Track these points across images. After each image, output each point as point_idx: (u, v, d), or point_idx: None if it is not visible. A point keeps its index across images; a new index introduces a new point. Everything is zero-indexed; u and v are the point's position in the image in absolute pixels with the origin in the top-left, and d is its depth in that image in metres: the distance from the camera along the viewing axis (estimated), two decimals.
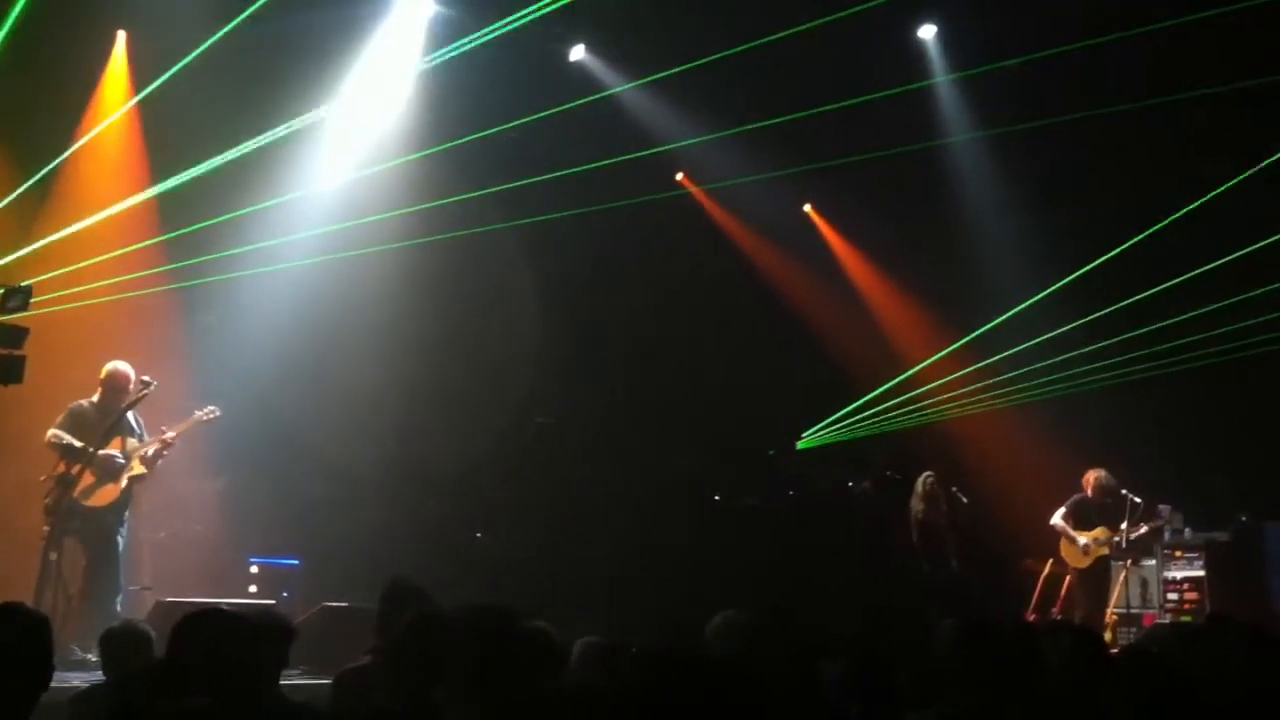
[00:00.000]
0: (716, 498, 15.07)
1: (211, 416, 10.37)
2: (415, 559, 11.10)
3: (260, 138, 11.61)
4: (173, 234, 11.82)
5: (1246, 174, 12.30)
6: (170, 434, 10.09)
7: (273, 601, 10.25)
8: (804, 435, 15.80)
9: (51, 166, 11.37)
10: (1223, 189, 12.46)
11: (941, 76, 13.84)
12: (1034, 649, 4.49)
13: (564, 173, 12.71)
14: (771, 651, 4.81)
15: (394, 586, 6.08)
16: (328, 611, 9.56)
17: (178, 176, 11.53)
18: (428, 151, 12.75)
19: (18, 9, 10.56)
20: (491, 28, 11.89)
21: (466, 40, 12.13)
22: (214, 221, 11.69)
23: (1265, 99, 11.76)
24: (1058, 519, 12.78)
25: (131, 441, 9.96)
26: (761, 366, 14.98)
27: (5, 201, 10.82)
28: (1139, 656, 4.78)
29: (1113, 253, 13.33)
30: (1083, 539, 12.62)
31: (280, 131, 11.79)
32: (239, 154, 11.47)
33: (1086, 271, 13.64)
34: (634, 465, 14.24)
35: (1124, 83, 12.47)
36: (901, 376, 15.36)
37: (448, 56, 12.36)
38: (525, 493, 13.64)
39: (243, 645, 4.03)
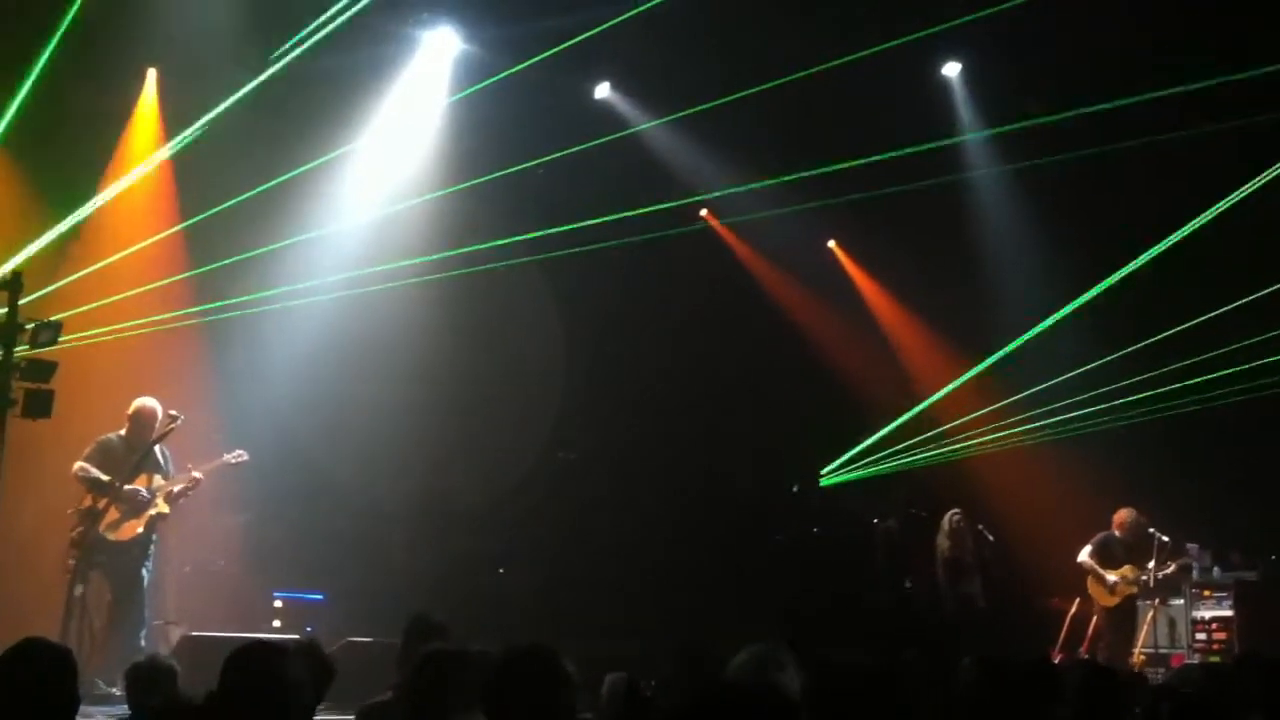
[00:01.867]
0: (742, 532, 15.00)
1: (239, 460, 10.42)
2: (439, 593, 11.12)
3: (288, 175, 11.70)
4: (201, 269, 11.91)
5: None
6: (197, 474, 10.12)
7: (299, 637, 10.23)
8: (826, 471, 15.76)
9: (85, 211, 11.46)
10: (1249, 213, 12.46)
11: (964, 114, 13.88)
12: (1052, 685, 4.47)
13: (592, 221, 12.79)
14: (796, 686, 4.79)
15: (415, 622, 6.09)
16: (351, 647, 9.55)
17: (206, 212, 11.63)
18: (454, 189, 12.83)
19: (49, 48, 10.70)
20: (517, 67, 12.00)
21: (492, 79, 12.24)
22: (242, 257, 11.78)
23: None
24: (1085, 557, 12.65)
25: (158, 478, 9.98)
26: (785, 402, 14.94)
27: (40, 243, 10.91)
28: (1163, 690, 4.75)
29: (1139, 287, 13.31)
30: (1111, 577, 12.50)
31: (308, 168, 11.89)
32: (267, 190, 11.55)
33: (1114, 307, 13.61)
34: (657, 499, 14.21)
35: (1146, 117, 12.46)
36: (924, 410, 15.32)
37: (473, 94, 12.48)
38: (548, 527, 13.63)
39: (291, 681, 4.01)
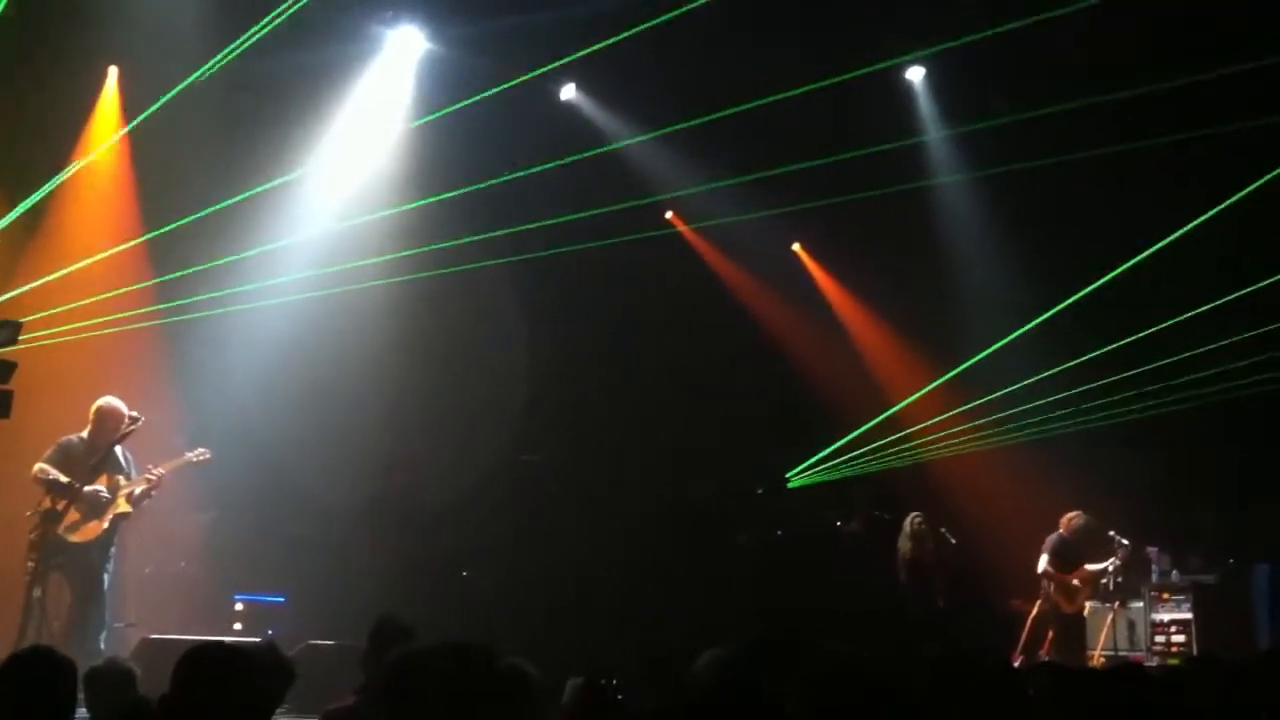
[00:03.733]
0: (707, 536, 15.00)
1: (202, 459, 10.31)
2: (401, 596, 11.04)
3: (252, 179, 11.62)
4: (164, 278, 11.83)
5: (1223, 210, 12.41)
6: (159, 471, 10.03)
7: (259, 639, 10.15)
8: (791, 474, 15.80)
9: (39, 195, 11.34)
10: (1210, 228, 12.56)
11: (929, 118, 13.95)
12: (1012, 686, 4.44)
13: (554, 219, 12.77)
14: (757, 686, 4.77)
15: (381, 624, 6.06)
16: (313, 650, 9.50)
17: (169, 220, 11.53)
18: (421, 203, 12.80)
19: (7, 43, 10.57)
20: (483, 69, 11.99)
21: (459, 81, 12.22)
22: (204, 267, 11.71)
23: (1249, 139, 11.88)
24: (1046, 565, 12.74)
25: (119, 478, 9.89)
26: (749, 404, 14.96)
27: None
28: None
29: (1103, 290, 13.41)
30: (1075, 582, 12.66)
31: (274, 179, 11.82)
32: (233, 190, 11.47)
33: (1076, 313, 13.71)
34: (621, 503, 14.20)
35: (1110, 125, 12.55)
36: (888, 414, 15.38)
37: (439, 95, 12.45)
38: (511, 529, 13.58)
39: (245, 683, 3.98)
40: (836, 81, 11.89)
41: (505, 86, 11.99)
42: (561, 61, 11.80)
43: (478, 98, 11.99)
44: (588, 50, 11.46)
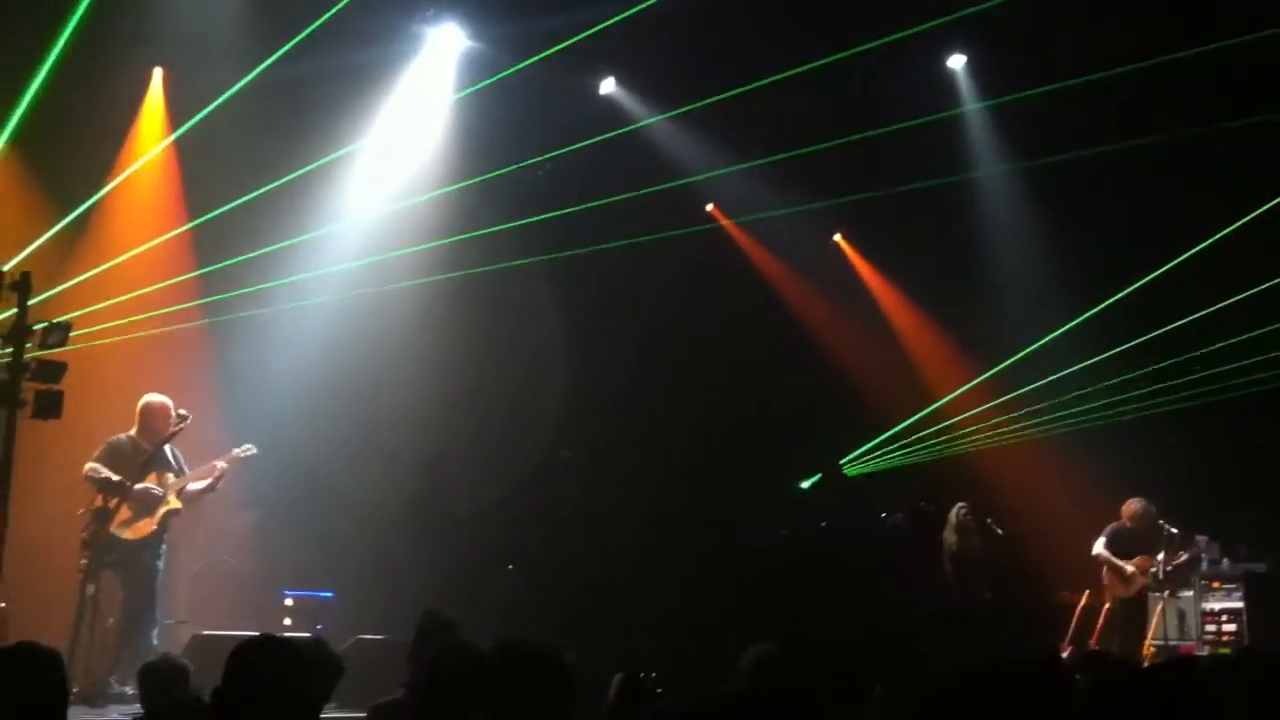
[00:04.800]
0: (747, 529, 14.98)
1: (249, 454, 10.43)
2: (447, 592, 11.12)
3: (294, 174, 11.71)
4: (204, 270, 11.96)
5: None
6: (222, 464, 10.14)
7: (308, 635, 10.25)
8: (845, 460, 15.78)
9: (90, 204, 11.50)
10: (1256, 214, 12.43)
11: (971, 106, 13.85)
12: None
13: (593, 204, 12.77)
14: (803, 684, 4.79)
15: (426, 619, 6.12)
16: (362, 644, 9.58)
17: (211, 213, 11.66)
18: (458, 185, 12.85)
19: (57, 47, 10.72)
20: (521, 64, 12.02)
21: (498, 76, 12.26)
22: (246, 258, 11.81)
23: None
24: (1100, 549, 12.68)
25: (168, 476, 10.01)
26: (791, 398, 14.91)
27: (44, 238, 10.93)
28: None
29: (1146, 280, 13.30)
30: (1129, 568, 12.57)
31: (314, 167, 11.90)
32: (273, 189, 11.56)
33: (1121, 301, 13.60)
34: (660, 498, 14.19)
35: (1155, 113, 12.43)
36: (933, 407, 15.32)
37: (479, 91, 12.49)
38: (553, 526, 13.61)
39: (296, 676, 4.03)
40: (876, 63, 11.85)
41: (543, 73, 12.01)
42: (591, 34, 11.72)
43: (508, 71, 12.03)
44: (617, 25, 11.42)
